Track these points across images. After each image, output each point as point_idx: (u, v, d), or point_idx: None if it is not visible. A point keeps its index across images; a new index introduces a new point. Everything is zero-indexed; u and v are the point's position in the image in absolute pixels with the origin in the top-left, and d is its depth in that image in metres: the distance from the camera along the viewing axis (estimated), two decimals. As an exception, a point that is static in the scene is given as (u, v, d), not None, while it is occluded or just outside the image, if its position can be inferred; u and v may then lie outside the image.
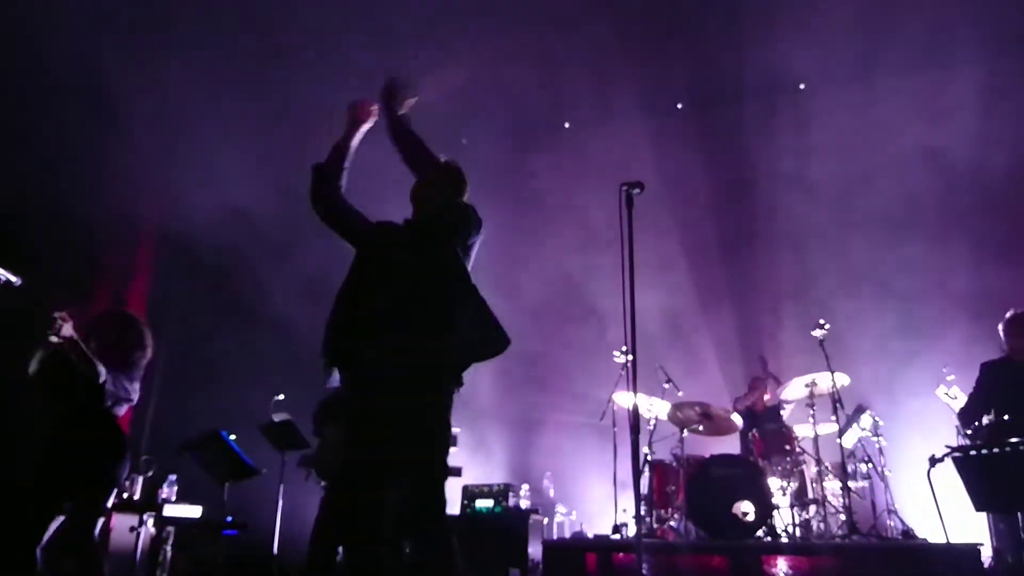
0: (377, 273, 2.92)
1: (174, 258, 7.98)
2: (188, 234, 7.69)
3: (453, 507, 6.61)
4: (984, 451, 3.69)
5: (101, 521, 3.99)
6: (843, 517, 5.53)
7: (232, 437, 5.34)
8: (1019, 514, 4.01)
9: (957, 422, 5.72)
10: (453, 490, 7.18)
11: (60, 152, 6.76)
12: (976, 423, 4.66)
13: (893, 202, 7.76)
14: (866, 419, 6.21)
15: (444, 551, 2.63)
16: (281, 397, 6.68)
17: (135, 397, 4.19)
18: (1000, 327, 4.92)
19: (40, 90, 6.55)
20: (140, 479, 6.66)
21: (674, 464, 6.01)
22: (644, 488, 5.92)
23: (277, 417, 6.44)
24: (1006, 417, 4.13)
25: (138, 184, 7.37)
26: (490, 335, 2.80)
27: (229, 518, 5.62)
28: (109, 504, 4.02)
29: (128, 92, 6.74)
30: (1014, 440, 3.65)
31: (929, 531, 5.40)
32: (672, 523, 5.87)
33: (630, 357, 3.19)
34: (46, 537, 3.81)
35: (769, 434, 6.21)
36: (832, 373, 5.85)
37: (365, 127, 3.21)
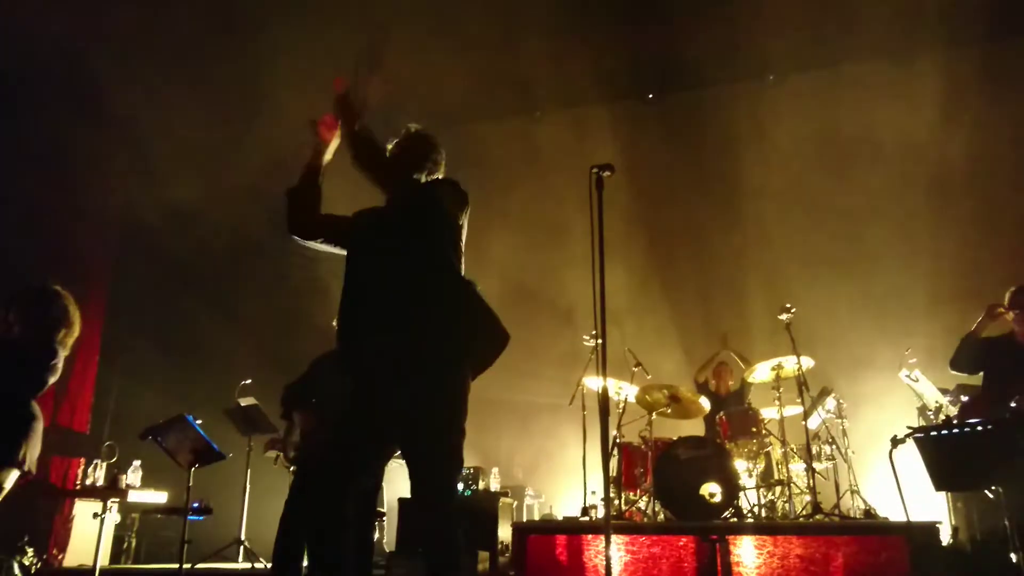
0: (362, 261, 2.90)
1: (136, 240, 7.84)
2: (153, 217, 7.57)
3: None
4: (944, 431, 3.76)
5: None
6: (807, 497, 5.63)
7: (198, 422, 5.26)
8: (987, 492, 4.09)
9: (918, 403, 5.87)
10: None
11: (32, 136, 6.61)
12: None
13: (858, 187, 7.87)
14: (830, 401, 6.31)
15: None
16: (248, 381, 6.63)
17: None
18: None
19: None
20: (104, 465, 6.58)
21: (642, 447, 6.06)
22: (613, 470, 5.97)
23: (244, 401, 6.39)
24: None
25: (108, 167, 7.25)
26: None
27: (195, 503, 5.55)
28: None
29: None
30: (972, 420, 3.74)
31: (890, 510, 5.52)
32: (640, 505, 5.93)
33: (599, 341, 3.19)
34: None
35: (735, 416, 6.28)
36: (798, 356, 5.93)
37: (332, 146, 3.07)
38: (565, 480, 7.66)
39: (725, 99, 8.57)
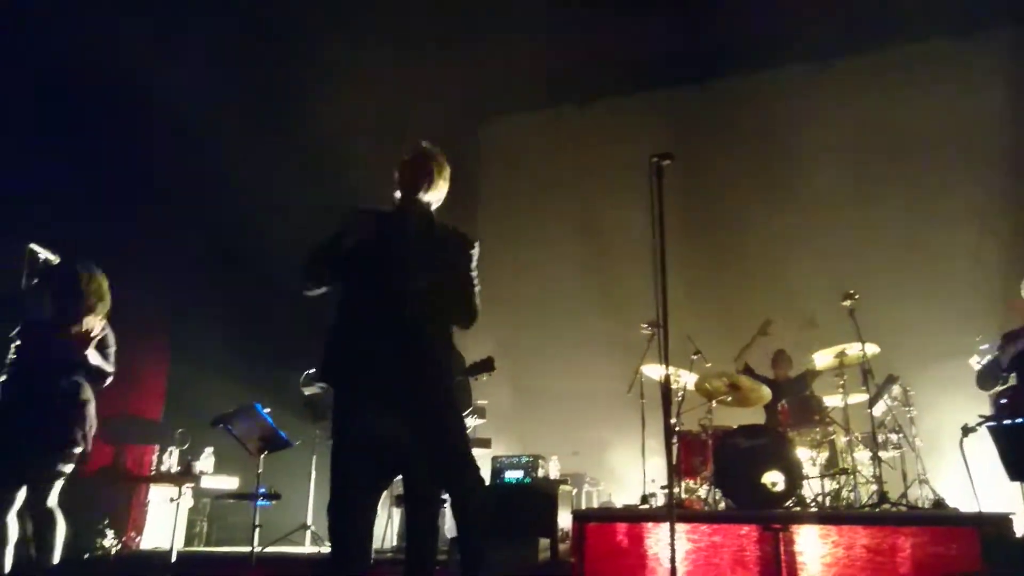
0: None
1: (208, 230, 8.05)
2: (218, 208, 7.79)
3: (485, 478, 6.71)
4: (1019, 420, 3.66)
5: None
6: (873, 487, 5.53)
7: (266, 411, 5.44)
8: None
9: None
10: (483, 462, 7.29)
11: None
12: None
13: (923, 169, 7.66)
14: (896, 389, 6.17)
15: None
16: (312, 371, 6.79)
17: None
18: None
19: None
20: (177, 452, 6.84)
21: (702, 435, 6.02)
22: (673, 459, 5.94)
23: (307, 391, 6.55)
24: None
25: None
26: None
27: (263, 489, 5.74)
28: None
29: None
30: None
31: (961, 501, 5.38)
32: (700, 493, 5.90)
33: (660, 328, 3.19)
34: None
35: (797, 404, 6.19)
36: (862, 343, 5.81)
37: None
38: (624, 469, 7.65)
39: (779, 83, 8.43)
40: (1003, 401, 4.32)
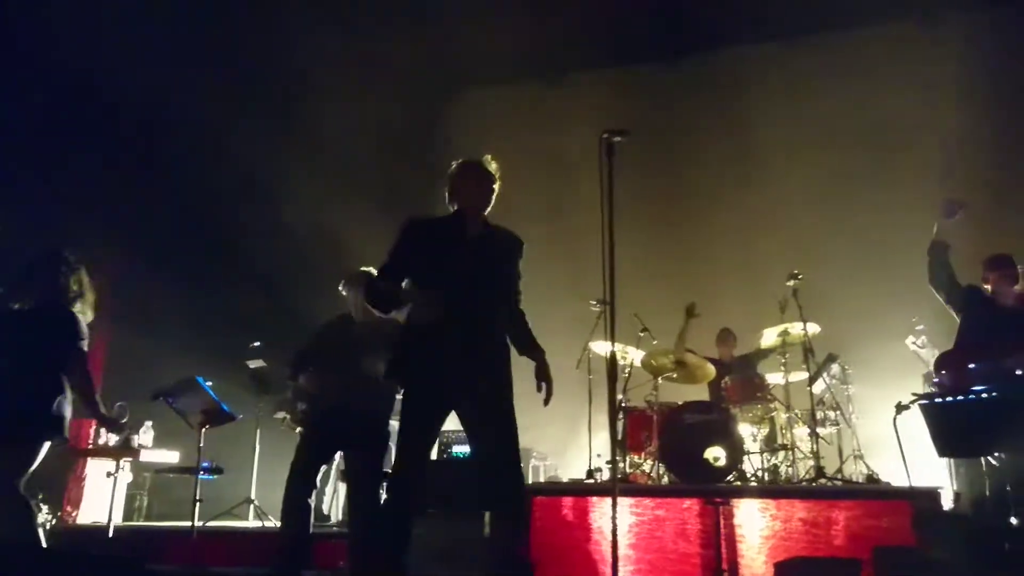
0: None
1: (150, 199, 7.82)
2: (164, 175, 7.57)
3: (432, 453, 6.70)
4: (949, 398, 3.78)
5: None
6: (811, 462, 5.69)
7: (208, 383, 5.33)
8: (983, 459, 4.11)
9: (924, 371, 5.87)
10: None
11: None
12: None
13: (871, 156, 7.80)
14: (836, 367, 6.33)
15: None
16: (257, 343, 6.68)
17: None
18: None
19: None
20: (116, 425, 6.65)
21: (648, 411, 6.10)
22: (618, 434, 6.02)
23: (252, 364, 6.44)
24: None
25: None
26: None
27: (206, 463, 5.65)
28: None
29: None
30: (977, 388, 3.75)
31: (894, 476, 5.56)
32: (645, 468, 6.00)
33: (607, 305, 3.20)
34: None
35: (741, 382, 6.32)
36: (804, 322, 5.94)
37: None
38: (571, 443, 7.72)
39: (745, 63, 8.46)
40: (943, 373, 4.43)
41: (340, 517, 6.45)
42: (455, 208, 3.54)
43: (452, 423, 7.62)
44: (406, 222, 3.48)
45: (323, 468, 4.94)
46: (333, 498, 6.63)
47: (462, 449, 5.80)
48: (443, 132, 9.66)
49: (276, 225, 7.66)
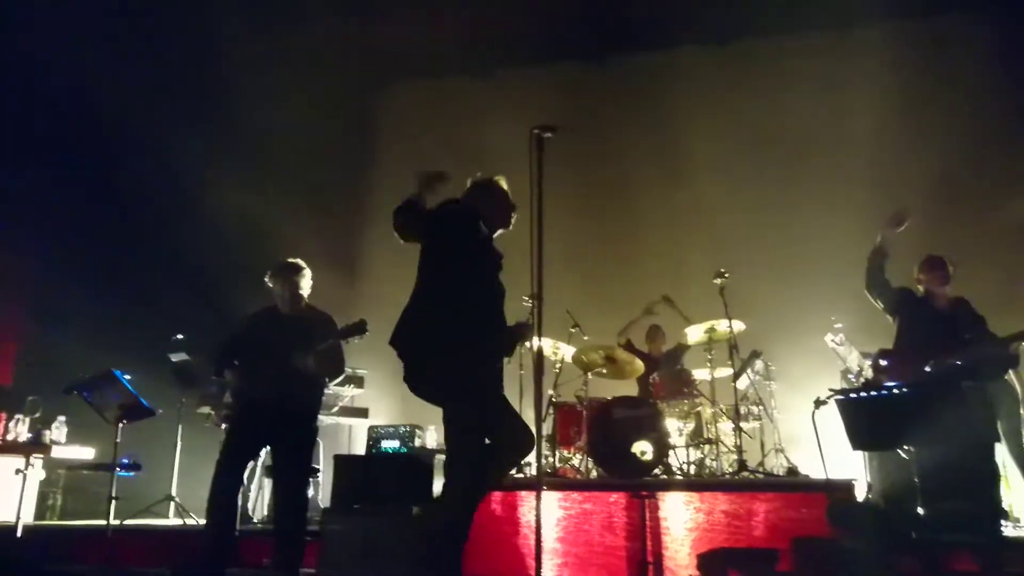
0: None
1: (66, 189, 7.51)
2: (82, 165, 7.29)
3: (361, 448, 6.63)
4: (862, 394, 3.93)
5: None
6: (734, 456, 5.83)
7: (127, 377, 5.14)
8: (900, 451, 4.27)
9: (842, 368, 6.09)
10: (360, 431, 7.20)
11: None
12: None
13: (803, 155, 8.02)
14: (759, 364, 6.51)
15: None
16: (180, 336, 6.48)
17: None
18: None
19: None
20: (27, 420, 6.39)
21: (578, 406, 6.16)
22: (548, 429, 6.06)
23: (175, 357, 6.25)
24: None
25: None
26: None
27: (124, 459, 5.45)
28: None
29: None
30: (889, 384, 3.91)
31: (812, 468, 5.75)
32: (574, 462, 6.05)
33: (536, 301, 3.22)
34: None
35: (669, 377, 6.44)
36: (729, 320, 6.08)
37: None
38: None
39: (675, 64, 8.60)
40: (883, 363, 4.60)
41: (265, 513, 6.32)
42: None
43: (381, 418, 7.57)
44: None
45: (249, 464, 4.83)
46: (259, 495, 6.49)
47: (391, 444, 5.75)
48: (371, 125, 9.55)
49: (201, 217, 7.45)
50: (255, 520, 6.24)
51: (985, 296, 4.77)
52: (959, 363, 4.22)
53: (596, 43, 8.73)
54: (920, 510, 4.02)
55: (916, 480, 4.05)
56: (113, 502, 5.10)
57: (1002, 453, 4.98)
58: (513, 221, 3.56)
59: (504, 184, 3.58)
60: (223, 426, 4.92)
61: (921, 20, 7.87)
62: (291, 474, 4.46)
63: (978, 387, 4.27)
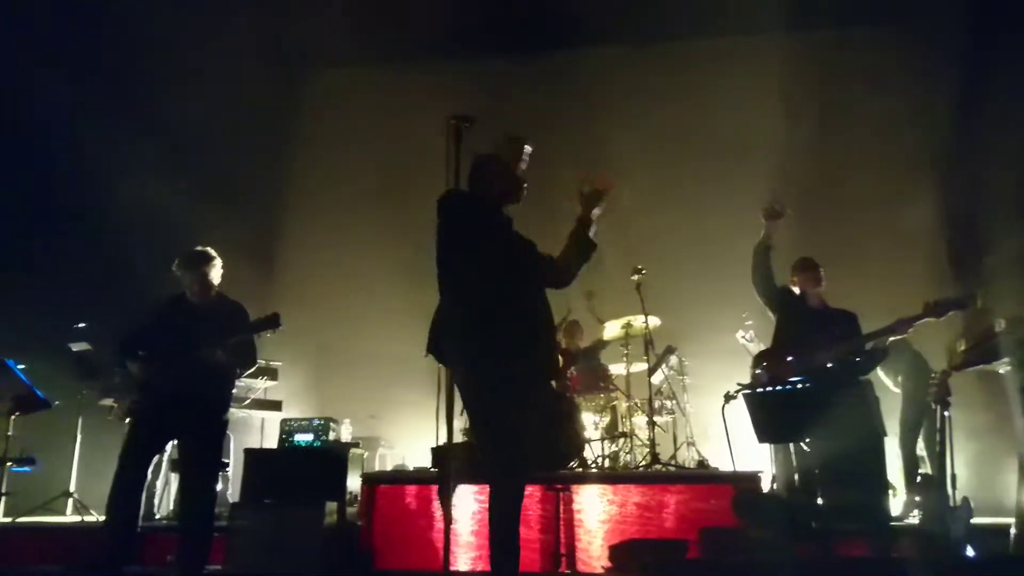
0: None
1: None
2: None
3: (273, 442, 6.47)
4: (766, 389, 4.08)
5: None
6: (648, 449, 5.96)
7: (20, 367, 4.88)
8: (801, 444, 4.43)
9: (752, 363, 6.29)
10: (273, 424, 7.03)
11: None
12: None
13: (718, 156, 8.23)
14: (674, 359, 6.66)
15: None
16: (82, 325, 6.19)
17: None
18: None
19: None
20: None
21: (496, 399, 6.15)
22: (466, 422, 6.05)
23: (76, 347, 5.97)
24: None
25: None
26: None
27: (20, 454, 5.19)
28: None
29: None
30: (793, 379, 4.07)
31: (722, 461, 5.93)
32: (491, 455, 6.06)
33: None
34: None
35: (585, 372, 6.52)
36: (646, 315, 6.20)
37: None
38: (421, 432, 7.70)
39: (595, 63, 8.68)
40: (764, 364, 4.75)
41: (172, 508, 6.11)
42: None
43: (295, 411, 7.41)
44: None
45: (155, 458, 4.65)
46: (165, 490, 6.26)
47: (304, 438, 5.64)
48: (289, 112, 9.33)
49: (107, 203, 7.13)
50: (160, 516, 6.02)
51: (859, 296, 4.97)
52: (829, 361, 4.38)
53: (521, 38, 8.74)
54: (820, 500, 4.19)
55: (816, 472, 4.22)
56: (3, 498, 4.84)
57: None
58: (523, 191, 3.56)
59: (516, 152, 3.54)
60: (127, 419, 4.71)
61: (828, 30, 8.18)
62: (198, 468, 4.31)
63: (869, 383, 4.50)
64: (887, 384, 5.77)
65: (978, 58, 7.36)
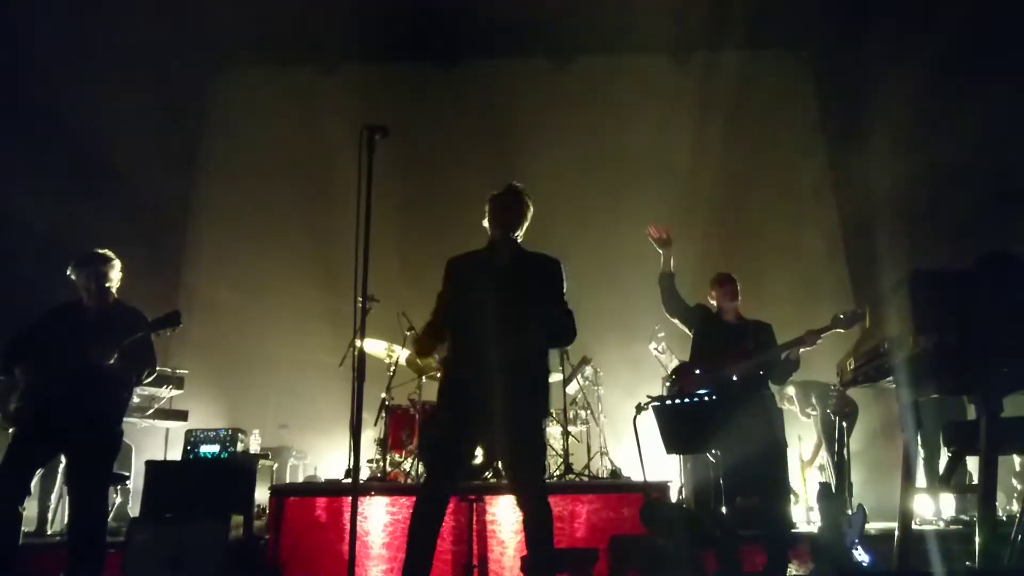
0: None
1: None
2: None
3: (178, 453, 6.23)
4: (675, 400, 4.17)
5: None
6: (561, 459, 6.01)
7: None
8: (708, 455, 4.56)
9: (664, 374, 6.43)
10: (178, 435, 6.77)
11: None
12: None
13: (633, 172, 8.40)
14: (589, 370, 6.74)
15: None
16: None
17: None
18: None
19: None
20: None
21: (410, 409, 6.11)
22: (380, 432, 5.99)
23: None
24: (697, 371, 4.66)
25: None
26: None
27: None
28: None
29: None
30: (700, 392, 4.18)
31: (635, 470, 6.02)
32: (405, 467, 6.00)
33: (360, 302, 3.16)
34: None
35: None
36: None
37: None
38: (333, 442, 7.56)
39: (517, 75, 8.78)
40: (673, 378, 4.86)
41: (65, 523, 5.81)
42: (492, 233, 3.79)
43: (202, 421, 7.17)
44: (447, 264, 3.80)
45: (41, 471, 4.39)
46: (59, 503, 5.94)
47: (210, 449, 5.45)
48: (201, 113, 9.07)
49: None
50: (50, 531, 5.71)
51: (763, 311, 5.16)
52: (737, 373, 4.55)
53: (438, 46, 8.76)
54: (723, 509, 4.32)
55: (721, 481, 4.34)
56: None
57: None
58: (506, 215, 3.77)
59: (498, 196, 3.86)
60: (11, 430, 4.44)
61: (741, 51, 8.48)
62: (85, 482, 4.09)
63: (772, 395, 4.67)
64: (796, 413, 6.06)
65: (869, 82, 7.78)
